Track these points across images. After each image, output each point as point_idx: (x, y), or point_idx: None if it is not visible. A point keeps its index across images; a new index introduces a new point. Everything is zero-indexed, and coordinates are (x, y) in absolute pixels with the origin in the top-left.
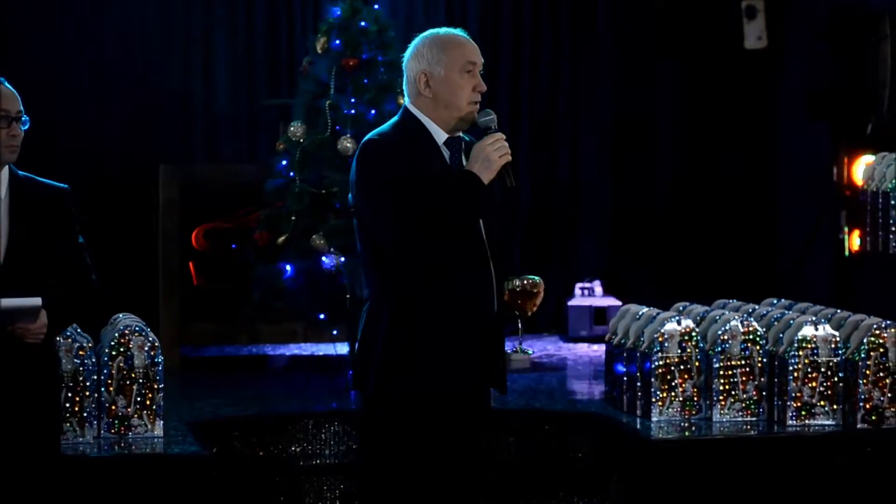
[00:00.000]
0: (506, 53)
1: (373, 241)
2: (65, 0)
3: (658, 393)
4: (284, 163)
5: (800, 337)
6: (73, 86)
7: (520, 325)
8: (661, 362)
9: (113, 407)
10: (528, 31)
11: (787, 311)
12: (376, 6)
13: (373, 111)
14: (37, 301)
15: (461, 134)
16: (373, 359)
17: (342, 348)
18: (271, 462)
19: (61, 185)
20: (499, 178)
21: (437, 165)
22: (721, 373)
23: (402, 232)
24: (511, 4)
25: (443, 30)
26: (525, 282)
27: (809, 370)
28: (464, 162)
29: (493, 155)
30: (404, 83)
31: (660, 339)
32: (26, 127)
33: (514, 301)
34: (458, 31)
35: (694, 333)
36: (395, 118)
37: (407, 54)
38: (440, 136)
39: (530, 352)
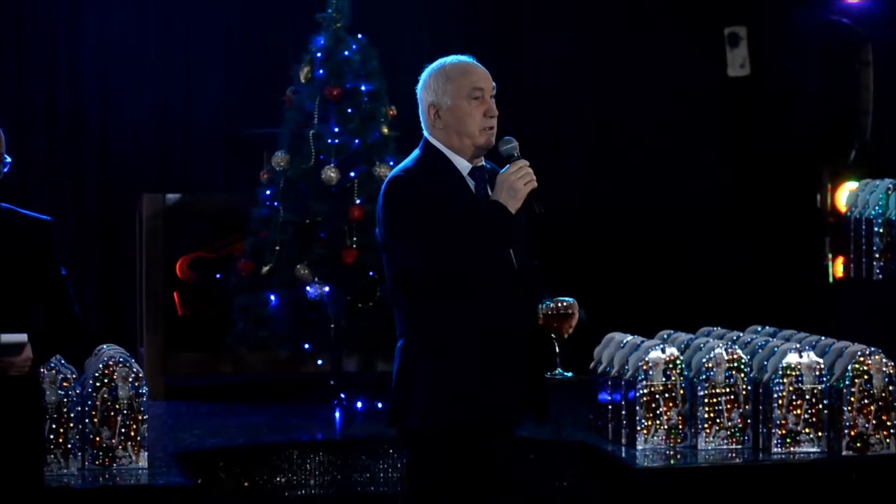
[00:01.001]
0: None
1: (402, 275)
2: (42, 31)
3: (643, 421)
4: (268, 192)
5: (784, 364)
6: (53, 117)
7: (557, 348)
8: (645, 390)
9: (97, 438)
10: (508, 59)
11: (771, 339)
12: (360, 35)
13: (357, 140)
14: (22, 337)
15: (483, 162)
16: (413, 395)
17: (326, 378)
18: (256, 492)
19: (43, 217)
20: (525, 204)
21: (463, 196)
22: (706, 400)
23: (431, 265)
24: (494, 34)
25: (449, 58)
26: (558, 304)
27: (794, 397)
28: (489, 191)
29: (517, 184)
30: (420, 115)
31: (644, 367)
32: (6, 169)
33: (550, 324)
34: (465, 58)
35: (678, 361)
36: (417, 152)
37: (418, 87)
38: (463, 165)
39: (569, 374)
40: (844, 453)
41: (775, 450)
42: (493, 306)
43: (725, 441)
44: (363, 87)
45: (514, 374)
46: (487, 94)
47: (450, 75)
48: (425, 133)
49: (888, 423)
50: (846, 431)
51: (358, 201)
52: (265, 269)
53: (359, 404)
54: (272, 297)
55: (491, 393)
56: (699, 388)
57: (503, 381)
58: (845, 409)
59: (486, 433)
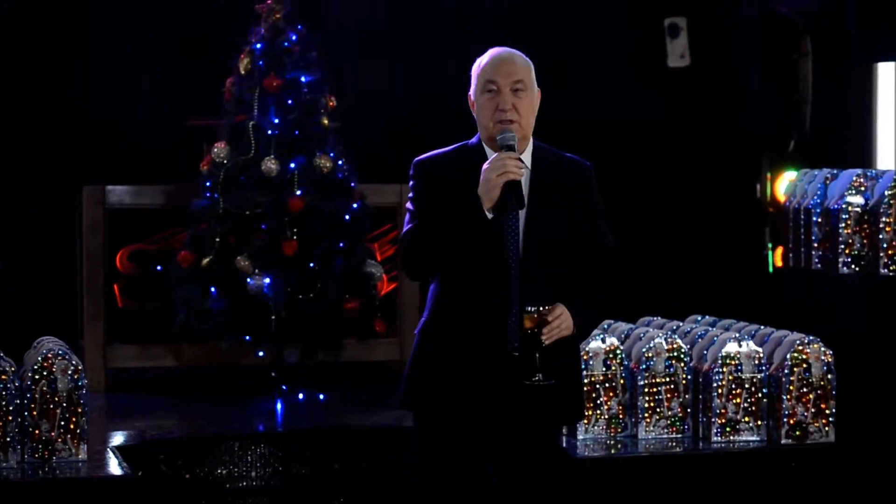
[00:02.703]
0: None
1: None
2: None
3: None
4: (208, 184)
5: (724, 353)
6: None
7: (537, 354)
8: (586, 380)
9: (36, 431)
10: (459, 52)
11: (711, 328)
12: (299, 26)
13: (296, 131)
14: None
15: (522, 157)
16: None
17: (268, 369)
18: (197, 485)
19: None
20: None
21: (469, 187)
22: (646, 390)
23: (403, 243)
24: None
25: (487, 52)
26: (541, 308)
27: (733, 386)
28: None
29: (490, 174)
30: None
31: (585, 356)
32: None
33: (532, 330)
34: (496, 51)
35: (619, 351)
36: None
37: None
38: (492, 156)
39: (550, 381)
40: (783, 442)
41: (715, 439)
42: (475, 300)
43: (666, 430)
44: (303, 78)
45: (492, 374)
46: (504, 87)
47: (476, 70)
48: None
49: (827, 412)
50: (785, 420)
51: (298, 192)
52: (205, 260)
53: (300, 396)
54: (212, 289)
55: (448, 387)
56: (639, 377)
57: (476, 378)
58: (784, 397)
59: (470, 431)
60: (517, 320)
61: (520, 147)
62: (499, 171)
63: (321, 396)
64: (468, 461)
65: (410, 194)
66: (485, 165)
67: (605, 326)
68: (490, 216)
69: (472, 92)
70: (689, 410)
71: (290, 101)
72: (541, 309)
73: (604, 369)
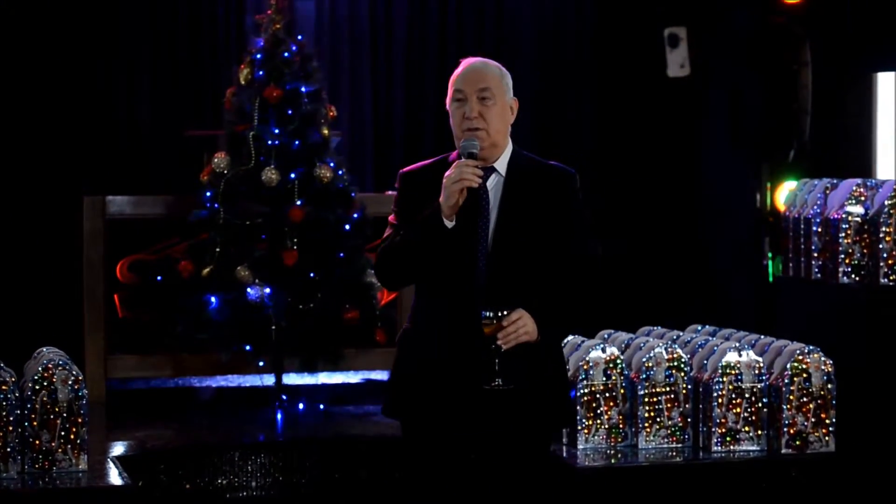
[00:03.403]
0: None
1: None
2: None
3: (584, 420)
4: (209, 194)
5: (724, 363)
6: None
7: (497, 359)
8: (586, 390)
9: (37, 441)
10: (449, 61)
11: (711, 338)
12: (300, 37)
13: (297, 142)
14: None
15: (496, 163)
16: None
17: (268, 379)
18: (198, 495)
19: None
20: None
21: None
22: (646, 400)
23: (378, 252)
24: (436, 35)
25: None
26: (499, 313)
27: (734, 396)
28: (489, 191)
29: (447, 182)
30: None
31: (585, 366)
32: None
33: (490, 334)
34: (468, 60)
35: (619, 361)
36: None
37: None
38: None
39: (510, 385)
40: (784, 451)
41: (715, 448)
42: (446, 308)
43: (666, 440)
44: (303, 89)
45: (467, 379)
46: (471, 95)
47: (450, 80)
48: None
49: (827, 422)
50: (785, 430)
51: (298, 202)
52: (205, 270)
53: (300, 406)
54: (213, 300)
55: (430, 393)
56: (639, 387)
57: (453, 384)
58: (784, 407)
59: (453, 436)
60: (479, 327)
61: (491, 155)
62: (455, 179)
63: (321, 406)
64: (454, 466)
65: (393, 205)
66: (446, 174)
67: (606, 336)
68: (450, 224)
69: (446, 102)
70: (689, 420)
71: (290, 112)
72: (499, 314)
73: (604, 379)
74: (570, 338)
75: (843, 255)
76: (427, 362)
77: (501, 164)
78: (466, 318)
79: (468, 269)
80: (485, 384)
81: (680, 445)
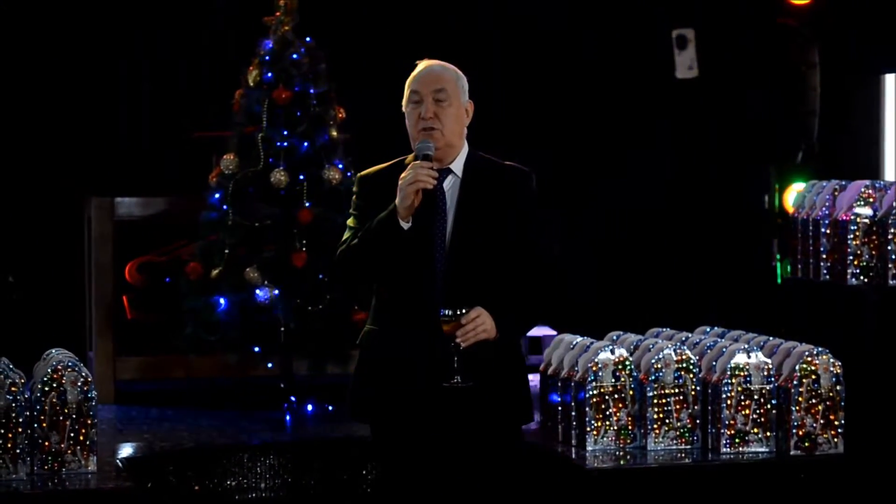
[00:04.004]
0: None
1: None
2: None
3: (593, 422)
4: (217, 196)
5: (733, 365)
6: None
7: (455, 357)
8: (595, 391)
9: (46, 443)
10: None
11: (719, 339)
12: (308, 38)
13: (306, 143)
14: None
15: (453, 164)
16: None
17: (277, 381)
18: (207, 496)
19: None
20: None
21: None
22: (655, 401)
23: (336, 253)
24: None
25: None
26: (458, 311)
27: (743, 398)
28: (445, 192)
29: (402, 183)
30: None
31: (594, 368)
32: None
33: (449, 333)
34: (424, 63)
35: (628, 362)
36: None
37: None
38: None
39: (469, 383)
40: (793, 453)
41: (724, 450)
42: (404, 308)
43: (675, 441)
44: (312, 90)
45: (425, 378)
46: (426, 96)
47: (406, 82)
48: None
49: (836, 423)
50: (794, 431)
51: (307, 204)
52: (214, 272)
53: (309, 407)
54: (222, 301)
55: (395, 394)
56: (648, 388)
57: (411, 383)
58: (793, 408)
59: (415, 435)
60: (437, 325)
61: (446, 156)
62: (410, 181)
63: (329, 407)
64: (424, 465)
65: (351, 208)
66: (401, 176)
67: (615, 338)
68: (406, 226)
69: (402, 104)
70: (698, 421)
71: (298, 113)
72: (457, 313)
73: (613, 380)
74: (578, 339)
75: (851, 257)
76: (390, 363)
77: (457, 165)
78: (426, 318)
79: (426, 270)
80: (444, 382)
81: (689, 447)
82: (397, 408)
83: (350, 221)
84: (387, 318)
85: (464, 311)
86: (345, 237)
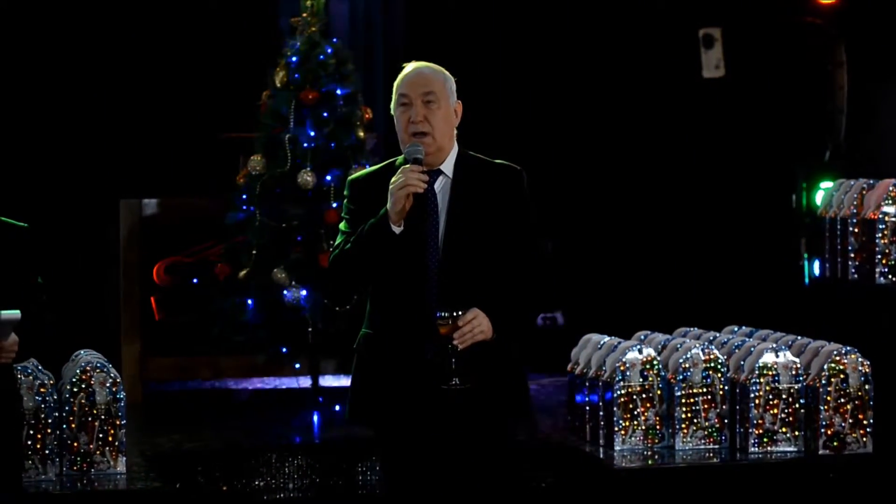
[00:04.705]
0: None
1: None
2: (17, 37)
3: (620, 422)
4: (245, 196)
5: (761, 364)
6: (29, 121)
7: (453, 359)
8: (623, 391)
9: (75, 444)
10: (486, 66)
11: (747, 339)
12: (335, 39)
13: (332, 144)
14: (16, 313)
15: (443, 166)
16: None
17: (304, 381)
18: (235, 497)
19: (20, 223)
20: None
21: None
22: (683, 401)
23: (330, 257)
24: (466, 37)
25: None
26: (454, 313)
27: (771, 397)
28: (437, 194)
29: (393, 187)
30: None
31: (621, 368)
32: None
33: (445, 335)
34: (411, 65)
35: (655, 362)
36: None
37: None
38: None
39: (467, 385)
40: (821, 452)
41: (752, 449)
42: (399, 311)
43: (703, 441)
44: (338, 91)
45: (420, 379)
46: (416, 99)
47: (394, 85)
48: None
49: (864, 422)
50: (823, 430)
51: (334, 205)
52: (242, 273)
53: (337, 408)
54: (249, 302)
55: (394, 397)
56: (676, 388)
57: (407, 385)
58: (822, 408)
59: (414, 436)
60: (434, 327)
61: (437, 158)
62: (400, 185)
63: None
64: (426, 467)
65: (343, 213)
66: (392, 180)
67: (642, 337)
68: (398, 230)
69: (393, 107)
70: (726, 421)
71: (325, 114)
72: (454, 314)
73: (641, 380)
74: (605, 339)
75: (879, 256)
76: (386, 367)
77: (448, 166)
78: (421, 321)
79: (419, 273)
80: (442, 384)
81: (717, 447)
82: (396, 411)
83: (342, 226)
84: (382, 321)
85: (460, 312)
86: (337, 242)
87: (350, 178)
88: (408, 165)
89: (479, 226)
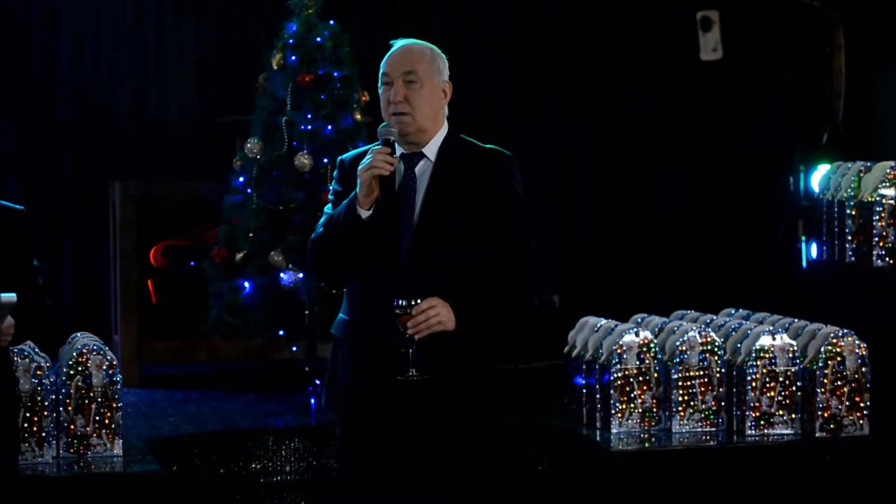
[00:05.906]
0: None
1: None
2: (15, 18)
3: (617, 405)
4: (241, 179)
5: (757, 347)
6: (26, 106)
7: (411, 349)
8: (619, 374)
9: (72, 426)
10: (486, 49)
11: (744, 322)
12: (332, 22)
13: (329, 127)
14: (12, 297)
15: (426, 148)
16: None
17: (301, 364)
18: (232, 479)
19: (16, 206)
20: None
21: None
22: (680, 384)
23: (308, 250)
24: (466, 20)
25: None
26: (412, 302)
27: (767, 380)
28: (416, 177)
29: (360, 170)
30: None
31: (618, 350)
32: None
33: (402, 323)
34: (399, 42)
35: (652, 345)
36: None
37: None
38: (399, 151)
39: (424, 376)
40: (818, 435)
41: (749, 432)
42: (371, 298)
43: (699, 424)
44: (336, 74)
45: (374, 372)
46: (396, 79)
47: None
48: None
49: (861, 405)
50: (819, 413)
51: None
52: (239, 256)
53: None
54: (246, 285)
55: (351, 385)
56: (673, 371)
57: (363, 374)
58: (818, 390)
59: (382, 426)
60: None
61: (420, 140)
62: (367, 168)
63: None
64: (383, 458)
65: (330, 193)
66: (360, 162)
67: (639, 320)
68: (365, 214)
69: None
70: (722, 404)
71: (322, 97)
72: (410, 303)
73: (637, 363)
74: (602, 321)
75: (877, 238)
76: (355, 354)
77: (431, 149)
78: (390, 309)
79: (390, 260)
80: (398, 375)
81: (714, 429)
82: (358, 401)
83: (327, 207)
84: (354, 308)
85: (417, 301)
86: (319, 223)
87: (339, 158)
88: (377, 147)
89: (455, 213)
